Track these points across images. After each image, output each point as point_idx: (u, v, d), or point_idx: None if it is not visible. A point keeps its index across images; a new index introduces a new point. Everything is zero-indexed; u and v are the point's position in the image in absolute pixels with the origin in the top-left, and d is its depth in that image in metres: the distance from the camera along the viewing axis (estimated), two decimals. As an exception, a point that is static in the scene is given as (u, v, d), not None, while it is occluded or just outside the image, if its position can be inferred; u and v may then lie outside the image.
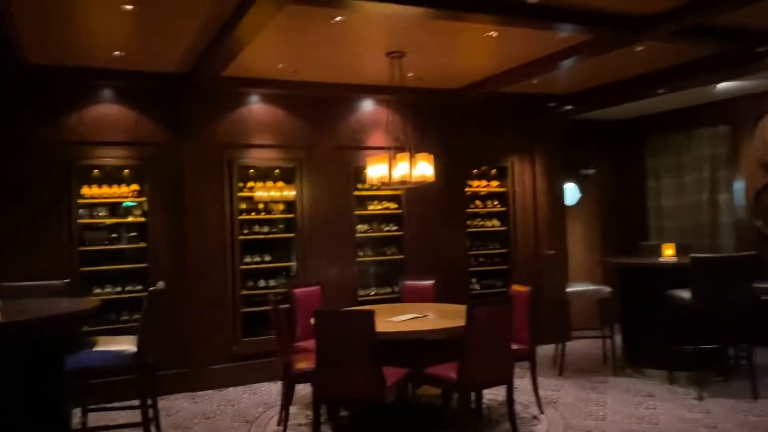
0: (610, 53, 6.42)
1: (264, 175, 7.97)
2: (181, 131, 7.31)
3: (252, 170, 7.90)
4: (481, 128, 8.91)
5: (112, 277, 7.15)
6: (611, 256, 8.86)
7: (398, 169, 6.12)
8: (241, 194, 7.72)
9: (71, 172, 6.86)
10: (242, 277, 7.59)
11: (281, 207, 7.95)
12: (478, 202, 9.09)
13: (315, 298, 6.85)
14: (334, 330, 4.67)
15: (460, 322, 4.75)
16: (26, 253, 6.55)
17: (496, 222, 9.20)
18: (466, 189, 8.92)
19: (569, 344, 7.87)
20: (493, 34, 5.79)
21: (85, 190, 7.02)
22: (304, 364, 5.38)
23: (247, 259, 7.69)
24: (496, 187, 9.23)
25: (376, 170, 6.21)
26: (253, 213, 7.78)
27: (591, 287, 7.62)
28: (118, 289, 7.08)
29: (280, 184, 7.90)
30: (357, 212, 8.23)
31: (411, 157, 6.15)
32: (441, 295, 6.85)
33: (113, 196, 7.15)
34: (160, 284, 5.05)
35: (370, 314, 4.55)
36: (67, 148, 6.83)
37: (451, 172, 8.63)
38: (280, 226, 7.96)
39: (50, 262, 6.62)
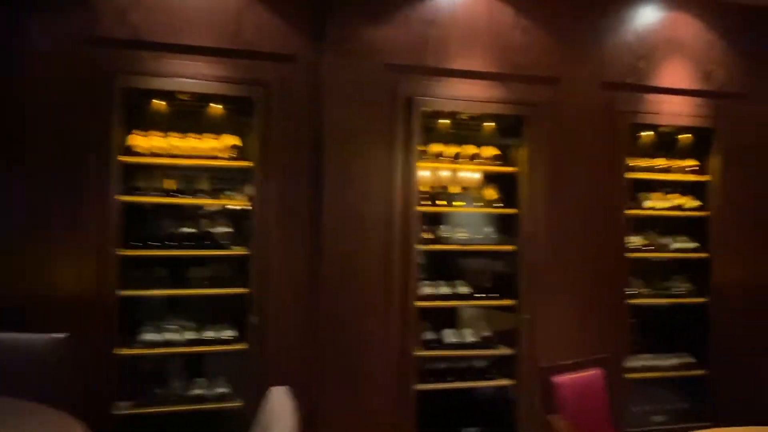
0: None
1: (462, 130, 4.29)
2: (325, 40, 3.79)
3: (445, 120, 4.24)
4: None
5: (165, 310, 3.78)
6: None
7: None
8: (427, 163, 4.09)
9: (112, 102, 3.49)
10: (418, 322, 3.96)
11: (491, 194, 4.24)
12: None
13: (595, 397, 3.11)
14: None
15: None
16: (32, 256, 3.33)
17: None
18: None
19: None
20: None
21: (139, 140, 3.66)
22: None
23: (427, 290, 4.05)
24: None
25: None
26: (440, 202, 4.13)
27: None
28: (189, 335, 3.67)
29: (488, 150, 4.20)
30: (629, 212, 4.37)
31: None
32: None
33: (192, 153, 3.74)
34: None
35: None
36: (105, 55, 3.48)
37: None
38: (488, 229, 4.25)
39: (64, 276, 3.34)
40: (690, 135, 4.65)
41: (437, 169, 4.18)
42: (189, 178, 3.81)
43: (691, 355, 4.52)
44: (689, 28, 4.44)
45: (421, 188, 4.00)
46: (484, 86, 4.03)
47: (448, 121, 4.21)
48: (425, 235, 4.02)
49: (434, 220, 4.16)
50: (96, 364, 3.36)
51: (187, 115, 3.85)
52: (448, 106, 4.02)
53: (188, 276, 3.77)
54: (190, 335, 3.67)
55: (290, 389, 2.26)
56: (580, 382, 3.14)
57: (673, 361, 4.50)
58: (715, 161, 4.55)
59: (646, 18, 4.34)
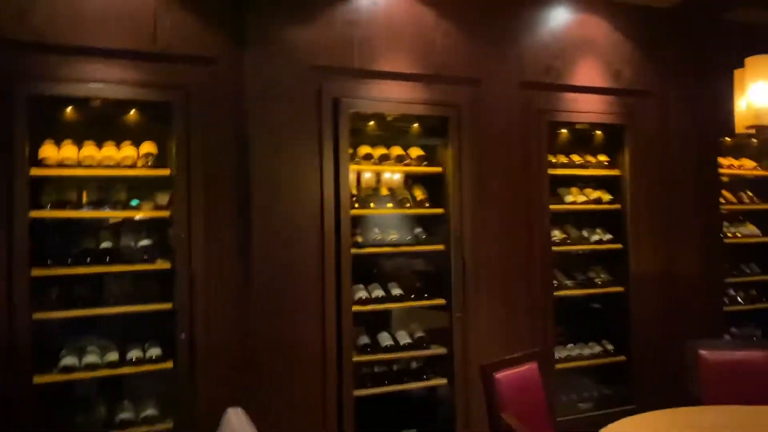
0: None
1: (389, 132, 4.29)
2: (247, 41, 3.67)
3: (371, 122, 4.22)
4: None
5: (84, 331, 3.53)
6: None
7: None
8: (356, 166, 4.05)
9: (14, 111, 3.21)
10: (354, 328, 3.91)
11: (420, 195, 4.25)
12: (728, 195, 5.33)
13: (533, 390, 3.18)
14: None
15: None
16: None
17: (753, 228, 5.43)
18: (721, 171, 5.15)
19: None
20: None
21: (50, 151, 3.39)
22: None
23: (361, 294, 4.01)
24: (755, 169, 5.46)
25: (762, 89, 2.47)
26: (368, 204, 4.10)
27: None
28: (112, 357, 3.44)
29: (414, 150, 4.22)
30: (551, 207, 4.51)
31: None
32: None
33: (106, 164, 3.51)
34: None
35: None
36: (3, 59, 3.20)
37: (696, 141, 4.91)
38: (417, 230, 4.26)
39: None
40: (603, 132, 4.87)
41: (366, 171, 4.15)
42: (106, 189, 3.57)
43: (612, 343, 4.73)
44: (599, 28, 4.64)
45: (352, 191, 3.95)
46: (408, 87, 4.03)
47: (374, 123, 4.19)
48: (357, 239, 3.97)
49: (365, 223, 4.12)
50: (10, 394, 3.08)
51: (104, 123, 3.61)
52: (375, 108, 3.99)
53: (109, 294, 3.53)
54: (112, 357, 3.44)
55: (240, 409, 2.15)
56: (519, 377, 3.19)
57: (595, 349, 4.69)
58: (625, 156, 4.78)
59: (560, 19, 4.49)
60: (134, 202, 3.58)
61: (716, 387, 3.44)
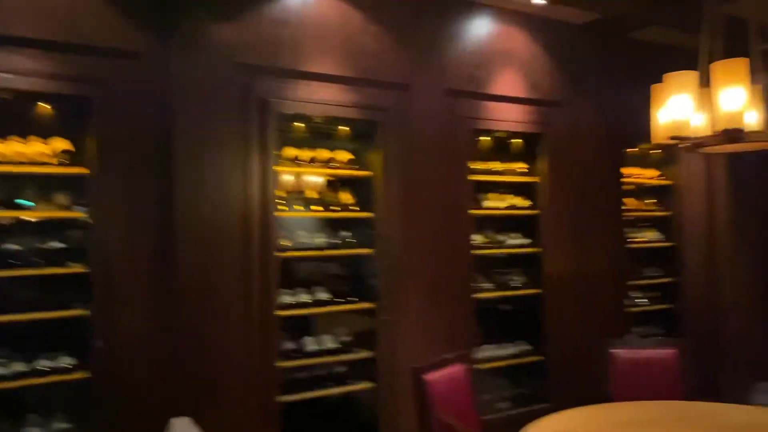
0: None
1: (317, 134, 4.26)
2: (171, 36, 3.52)
3: (299, 124, 4.17)
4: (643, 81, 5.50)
5: None
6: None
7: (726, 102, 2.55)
8: (283, 168, 3.98)
9: None
10: (279, 333, 3.84)
11: (347, 198, 4.24)
12: (632, 201, 5.67)
13: (462, 391, 3.26)
14: None
15: None
16: None
17: (653, 234, 5.82)
18: (623, 180, 5.47)
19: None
20: None
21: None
22: None
23: (286, 298, 3.94)
24: (656, 178, 5.85)
25: (678, 104, 2.63)
26: (297, 207, 4.05)
27: None
28: (19, 367, 3.20)
29: (342, 154, 4.21)
30: (473, 211, 4.63)
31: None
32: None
33: (16, 159, 3.26)
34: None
35: None
36: None
37: (604, 151, 5.21)
38: (345, 234, 4.24)
39: None
40: (521, 140, 5.05)
41: (293, 173, 4.10)
42: (14, 187, 3.32)
43: (528, 343, 4.92)
44: (518, 41, 4.81)
45: (278, 193, 3.88)
46: (337, 90, 4.01)
47: (302, 125, 4.14)
48: (283, 242, 3.91)
49: (292, 226, 4.06)
50: None
51: (11, 117, 3.35)
52: (303, 109, 3.93)
53: (15, 300, 3.28)
54: (19, 367, 3.20)
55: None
56: (448, 378, 3.26)
57: (513, 349, 4.86)
58: (541, 164, 4.98)
59: (483, 30, 4.62)
60: (26, 202, 3.33)
61: (626, 384, 3.66)
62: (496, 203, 4.86)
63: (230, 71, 3.65)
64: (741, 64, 2.55)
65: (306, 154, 4.06)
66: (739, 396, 5.00)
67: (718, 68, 2.59)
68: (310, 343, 4.01)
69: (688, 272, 5.70)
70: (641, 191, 5.81)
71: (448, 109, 4.45)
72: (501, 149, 5.06)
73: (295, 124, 4.13)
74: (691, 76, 2.72)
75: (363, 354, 4.13)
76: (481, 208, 4.77)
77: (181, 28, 3.53)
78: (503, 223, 5.01)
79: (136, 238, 3.44)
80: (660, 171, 5.84)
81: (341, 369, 4.17)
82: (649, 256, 5.73)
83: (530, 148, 5.02)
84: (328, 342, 4.06)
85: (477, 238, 4.73)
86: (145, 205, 3.48)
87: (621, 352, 3.77)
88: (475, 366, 4.52)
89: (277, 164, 3.84)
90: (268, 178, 3.72)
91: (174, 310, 3.48)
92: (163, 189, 3.50)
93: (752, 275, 5.92)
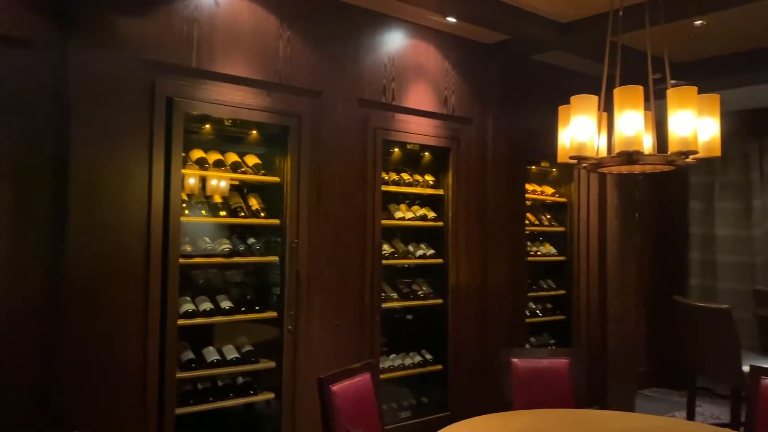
0: None
1: (225, 137, 4.13)
2: (72, 25, 3.30)
3: (207, 126, 4.03)
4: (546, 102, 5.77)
5: None
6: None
7: (626, 122, 2.70)
8: (188, 170, 3.82)
9: None
10: (178, 342, 3.68)
11: (255, 204, 4.14)
12: (531, 217, 5.92)
13: (367, 401, 3.24)
14: None
15: None
16: None
17: (550, 248, 6.09)
18: (527, 195, 5.70)
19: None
20: None
21: None
22: None
23: (188, 307, 3.78)
24: (552, 195, 6.14)
25: (582, 125, 2.75)
26: (199, 211, 3.90)
27: None
28: None
29: (251, 158, 4.12)
30: (383, 222, 4.65)
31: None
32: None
33: None
34: None
35: None
36: None
37: (509, 167, 5.41)
38: (251, 241, 4.14)
39: None
40: (430, 153, 5.14)
41: (199, 176, 3.95)
42: None
43: (431, 352, 4.99)
44: (430, 56, 4.90)
45: (183, 197, 3.73)
46: (249, 93, 3.91)
47: (210, 127, 4.01)
48: (186, 248, 3.75)
49: (195, 231, 3.91)
50: None
51: None
52: (212, 111, 3.79)
53: None
54: None
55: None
56: (354, 388, 3.23)
57: (416, 359, 4.91)
58: (448, 177, 5.09)
59: (397, 43, 4.67)
60: None
61: (526, 392, 3.78)
62: (405, 214, 4.91)
63: (136, 67, 3.47)
64: (639, 91, 2.72)
65: (213, 157, 3.93)
66: (624, 403, 5.32)
67: (618, 93, 2.74)
68: (210, 354, 3.86)
69: (579, 285, 6.01)
70: (538, 207, 6.08)
71: (361, 118, 4.45)
72: (412, 161, 5.13)
73: (203, 126, 4.00)
74: (594, 100, 2.87)
75: (266, 364, 4.03)
76: (391, 218, 4.80)
77: (83, 18, 3.31)
78: (412, 234, 5.08)
79: (21, 243, 3.17)
80: (555, 189, 6.13)
81: (243, 380, 4.04)
82: (545, 269, 5.99)
83: (439, 161, 5.12)
84: (231, 352, 3.93)
85: (386, 248, 4.75)
86: (35, 205, 3.22)
87: (521, 362, 3.88)
88: (381, 376, 4.56)
89: (183, 167, 3.69)
90: (172, 181, 3.56)
91: (61, 318, 3.23)
92: (58, 188, 3.26)
93: (639, 289, 6.32)
